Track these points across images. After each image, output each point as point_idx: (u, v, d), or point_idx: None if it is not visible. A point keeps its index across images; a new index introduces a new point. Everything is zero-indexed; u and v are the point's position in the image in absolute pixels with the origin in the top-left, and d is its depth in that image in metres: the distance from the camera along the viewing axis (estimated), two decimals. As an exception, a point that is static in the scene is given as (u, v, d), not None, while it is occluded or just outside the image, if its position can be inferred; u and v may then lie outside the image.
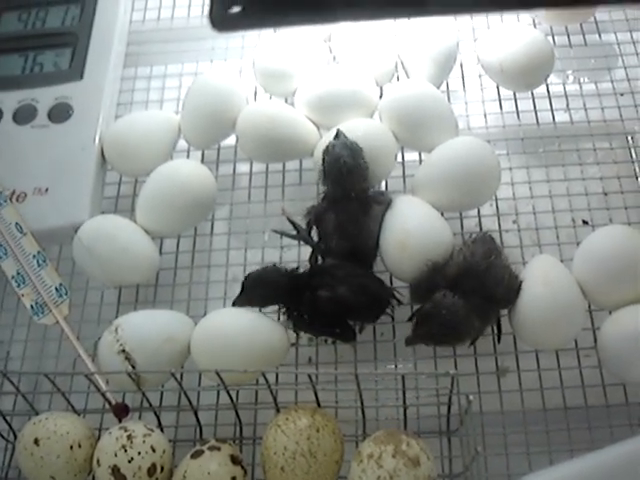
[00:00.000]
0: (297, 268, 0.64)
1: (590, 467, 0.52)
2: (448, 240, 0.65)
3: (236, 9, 0.34)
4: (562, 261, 0.64)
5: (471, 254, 0.62)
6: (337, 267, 0.63)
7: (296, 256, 0.70)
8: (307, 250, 0.68)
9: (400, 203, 0.66)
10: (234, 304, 0.64)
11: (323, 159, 0.66)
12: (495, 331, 0.63)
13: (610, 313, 0.62)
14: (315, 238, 0.67)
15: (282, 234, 0.69)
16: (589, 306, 0.63)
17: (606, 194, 0.70)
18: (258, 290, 0.63)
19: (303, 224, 0.67)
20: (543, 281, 0.61)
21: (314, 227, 0.66)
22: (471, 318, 0.60)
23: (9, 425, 0.62)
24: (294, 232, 0.68)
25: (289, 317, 0.63)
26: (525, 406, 0.61)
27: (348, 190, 0.64)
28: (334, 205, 0.64)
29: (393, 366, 0.64)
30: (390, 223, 0.65)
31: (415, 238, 0.63)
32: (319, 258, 0.67)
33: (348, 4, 0.31)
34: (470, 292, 0.60)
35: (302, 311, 0.63)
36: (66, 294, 0.67)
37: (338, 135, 0.66)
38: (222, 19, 0.35)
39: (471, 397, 0.54)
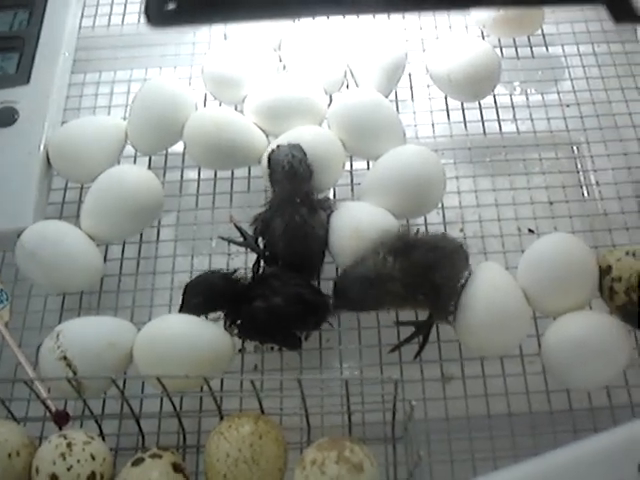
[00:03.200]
0: (234, 272, 0.64)
1: (534, 472, 0.52)
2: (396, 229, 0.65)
3: (171, 5, 0.34)
4: (507, 269, 0.65)
5: (442, 238, 0.64)
6: (274, 276, 0.63)
7: (243, 263, 0.69)
8: (254, 257, 0.67)
9: (347, 206, 0.67)
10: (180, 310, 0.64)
11: (268, 160, 0.66)
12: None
13: (554, 320, 0.62)
14: (262, 246, 0.66)
15: (229, 241, 0.69)
16: (533, 313, 0.64)
17: (551, 203, 0.71)
18: (198, 298, 0.62)
19: (250, 231, 0.67)
20: (488, 288, 0.62)
21: (261, 235, 0.66)
22: (388, 283, 0.60)
23: (-54, 433, 0.61)
24: (241, 239, 0.68)
25: (230, 325, 0.63)
26: (470, 412, 0.61)
27: (293, 192, 0.64)
28: (280, 211, 0.64)
29: (338, 372, 0.64)
30: (340, 220, 0.65)
31: (368, 223, 0.64)
32: (261, 265, 0.66)
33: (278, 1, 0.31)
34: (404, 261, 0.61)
35: (242, 319, 0.62)
36: (7, 300, 0.66)
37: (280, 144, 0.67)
38: (157, 15, 0.34)
39: (414, 403, 0.54)
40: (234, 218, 0.69)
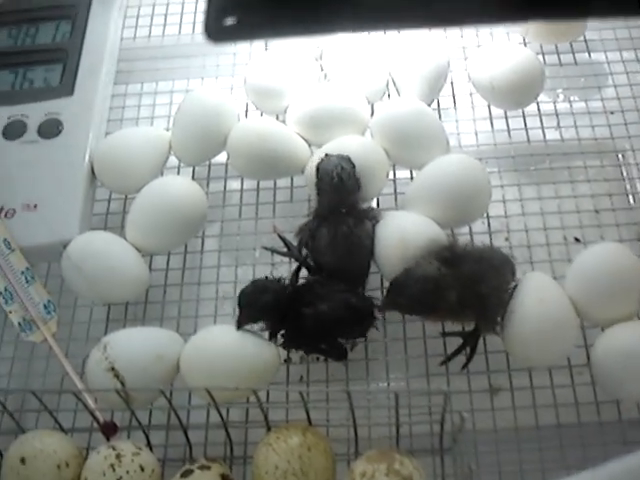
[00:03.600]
0: (280, 280, 0.63)
1: (584, 485, 0.52)
2: (444, 239, 0.65)
3: (231, 21, 0.34)
4: (554, 278, 0.64)
5: (491, 250, 0.63)
6: (319, 283, 0.63)
7: (287, 273, 0.69)
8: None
9: (393, 215, 0.66)
10: (239, 327, 0.62)
11: (317, 170, 0.66)
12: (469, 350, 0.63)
13: (603, 330, 0.62)
14: (306, 256, 0.66)
15: (273, 251, 0.69)
16: (582, 323, 0.63)
17: (597, 212, 0.71)
18: (250, 308, 0.62)
19: (294, 242, 0.67)
20: (536, 298, 0.61)
21: (305, 245, 0.66)
22: (445, 291, 0.59)
23: (-5, 444, 0.61)
24: (285, 249, 0.68)
25: (275, 334, 0.63)
26: (518, 424, 0.61)
27: (340, 203, 0.64)
28: (325, 221, 0.64)
29: (385, 384, 0.64)
30: (385, 230, 0.65)
31: (414, 233, 0.63)
32: (301, 276, 0.66)
33: (342, 15, 0.31)
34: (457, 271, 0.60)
35: (287, 328, 0.62)
36: (54, 311, 0.66)
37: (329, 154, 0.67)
38: (217, 30, 0.34)
39: (465, 415, 0.54)
40: (277, 228, 0.69)
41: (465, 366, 0.63)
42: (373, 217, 0.66)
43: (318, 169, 0.66)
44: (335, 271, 0.63)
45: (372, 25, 0.33)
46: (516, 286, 0.62)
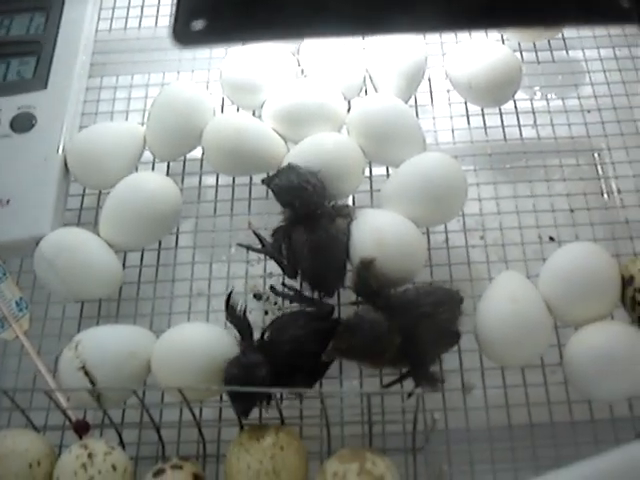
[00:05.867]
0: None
1: (555, 484, 0.52)
2: (421, 240, 0.65)
3: (199, 25, 0.34)
4: (528, 277, 0.64)
5: (425, 293, 0.61)
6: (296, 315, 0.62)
7: (262, 271, 0.69)
8: (273, 264, 0.67)
9: (368, 213, 0.66)
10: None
11: (273, 192, 0.66)
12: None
13: (576, 330, 0.62)
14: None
15: (248, 248, 0.68)
16: (555, 323, 0.63)
17: (572, 211, 0.71)
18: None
19: (270, 239, 0.66)
20: (509, 297, 0.61)
21: (282, 245, 0.65)
22: (392, 334, 0.58)
23: (-34, 443, 0.61)
24: (260, 246, 0.67)
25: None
26: (491, 423, 0.61)
27: (308, 208, 0.64)
28: (299, 223, 0.64)
29: (358, 382, 0.63)
30: (361, 229, 0.64)
31: (391, 233, 0.63)
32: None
33: (310, 21, 0.31)
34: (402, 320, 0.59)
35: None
36: (26, 308, 0.65)
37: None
38: (184, 35, 0.34)
39: (437, 415, 0.54)
40: (252, 225, 0.69)
41: (393, 384, 0.62)
42: (347, 214, 0.65)
43: (274, 193, 0.65)
44: (312, 271, 0.63)
45: (340, 31, 0.33)
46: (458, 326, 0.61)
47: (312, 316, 0.62)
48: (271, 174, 0.67)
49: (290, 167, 0.66)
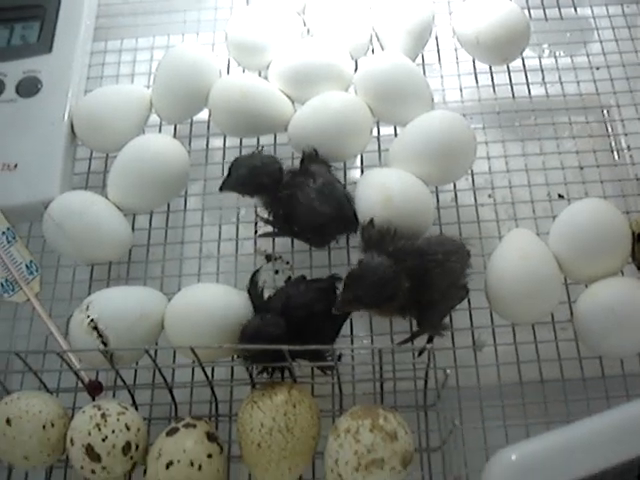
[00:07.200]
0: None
1: (567, 440, 0.52)
2: (429, 198, 0.65)
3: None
4: (538, 235, 0.64)
5: (437, 242, 0.61)
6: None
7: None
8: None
9: (377, 172, 0.66)
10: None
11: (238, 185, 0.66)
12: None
13: (586, 286, 0.62)
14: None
15: (271, 235, 0.68)
16: (565, 279, 0.63)
17: (582, 168, 0.70)
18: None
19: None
20: (520, 255, 0.61)
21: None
22: (399, 279, 0.57)
23: (-20, 406, 0.61)
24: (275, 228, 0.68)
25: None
26: (502, 380, 0.61)
27: (278, 178, 0.65)
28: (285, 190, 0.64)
29: (369, 341, 0.64)
30: (369, 187, 0.64)
31: (399, 191, 0.63)
32: None
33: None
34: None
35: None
36: (37, 271, 0.66)
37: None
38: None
39: (448, 371, 0.54)
40: (260, 213, 0.68)
41: (406, 342, 0.62)
42: (321, 161, 0.66)
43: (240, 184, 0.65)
44: (326, 218, 0.63)
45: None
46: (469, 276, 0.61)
47: (311, 280, 0.62)
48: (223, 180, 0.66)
49: (234, 165, 0.65)
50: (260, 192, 0.65)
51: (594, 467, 0.51)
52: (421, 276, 0.58)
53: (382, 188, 0.63)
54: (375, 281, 0.56)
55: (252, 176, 0.64)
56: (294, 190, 0.63)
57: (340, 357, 0.59)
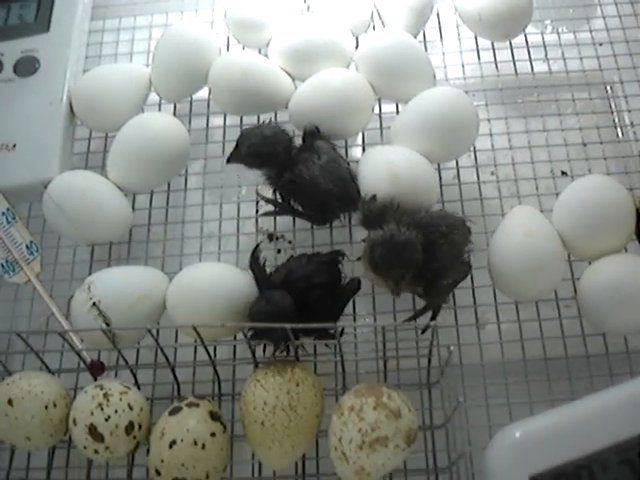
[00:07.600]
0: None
1: (570, 417, 0.52)
2: (434, 174, 0.65)
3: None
4: (541, 212, 0.64)
5: (439, 217, 0.61)
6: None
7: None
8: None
9: (380, 149, 0.65)
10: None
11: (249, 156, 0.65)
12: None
13: (590, 263, 0.61)
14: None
15: (272, 214, 0.68)
16: (569, 256, 0.63)
17: (585, 145, 0.70)
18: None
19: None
20: (523, 232, 0.61)
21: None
22: (416, 247, 0.58)
23: (-19, 386, 0.61)
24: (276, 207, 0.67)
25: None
26: (505, 357, 0.61)
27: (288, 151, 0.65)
28: (292, 165, 0.64)
29: (372, 319, 0.63)
30: (373, 163, 0.64)
31: (405, 167, 0.62)
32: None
33: None
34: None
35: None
36: (37, 251, 0.65)
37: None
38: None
39: (452, 348, 0.54)
40: (261, 192, 0.68)
41: (410, 320, 0.62)
42: (323, 137, 0.66)
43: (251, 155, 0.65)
44: (329, 193, 0.63)
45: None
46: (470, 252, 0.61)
47: (313, 254, 0.62)
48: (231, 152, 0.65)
49: (243, 135, 0.65)
50: (270, 163, 0.64)
51: (598, 444, 0.51)
52: (425, 247, 0.58)
53: (389, 165, 0.63)
54: (399, 247, 0.57)
55: (265, 145, 0.63)
56: (299, 166, 0.63)
57: (342, 332, 0.59)
